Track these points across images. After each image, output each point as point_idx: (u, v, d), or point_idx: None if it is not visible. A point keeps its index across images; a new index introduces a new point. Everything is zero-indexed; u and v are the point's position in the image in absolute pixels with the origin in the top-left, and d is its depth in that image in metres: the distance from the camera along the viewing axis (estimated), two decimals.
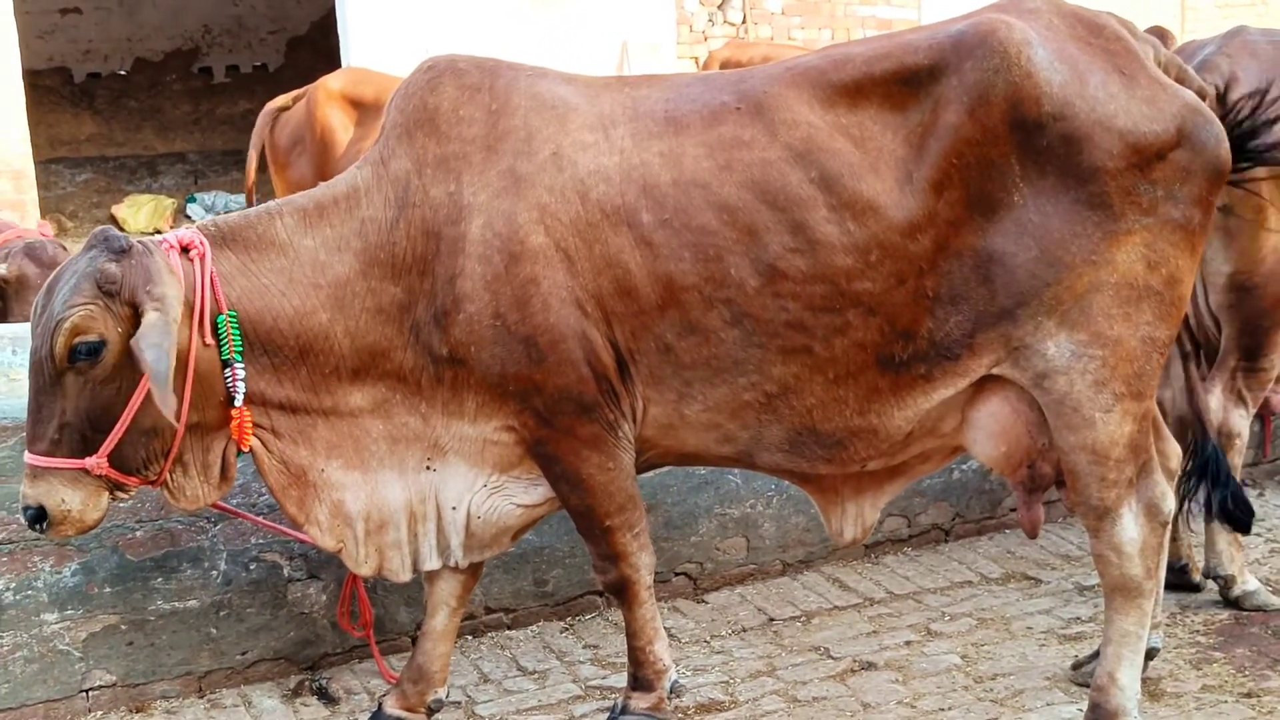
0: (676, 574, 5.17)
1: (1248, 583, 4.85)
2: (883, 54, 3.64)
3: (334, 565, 4.56)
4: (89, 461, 3.49)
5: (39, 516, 3.52)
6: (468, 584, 4.14)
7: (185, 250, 3.58)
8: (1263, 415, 6.27)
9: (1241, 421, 4.81)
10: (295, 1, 17.23)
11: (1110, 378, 3.55)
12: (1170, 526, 4.34)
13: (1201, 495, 4.42)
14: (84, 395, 3.47)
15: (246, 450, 3.70)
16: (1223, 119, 3.66)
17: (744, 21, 12.77)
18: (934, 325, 3.59)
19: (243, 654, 4.55)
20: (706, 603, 5.15)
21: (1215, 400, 4.77)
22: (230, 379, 3.60)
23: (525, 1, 11.74)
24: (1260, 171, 4.52)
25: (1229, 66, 4.63)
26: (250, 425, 3.66)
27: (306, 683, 4.54)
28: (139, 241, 3.54)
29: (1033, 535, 3.93)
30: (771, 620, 4.97)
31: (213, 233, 3.66)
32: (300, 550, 4.55)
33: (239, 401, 3.62)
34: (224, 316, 3.57)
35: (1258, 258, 4.60)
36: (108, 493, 3.57)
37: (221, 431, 3.67)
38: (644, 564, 3.96)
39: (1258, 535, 5.59)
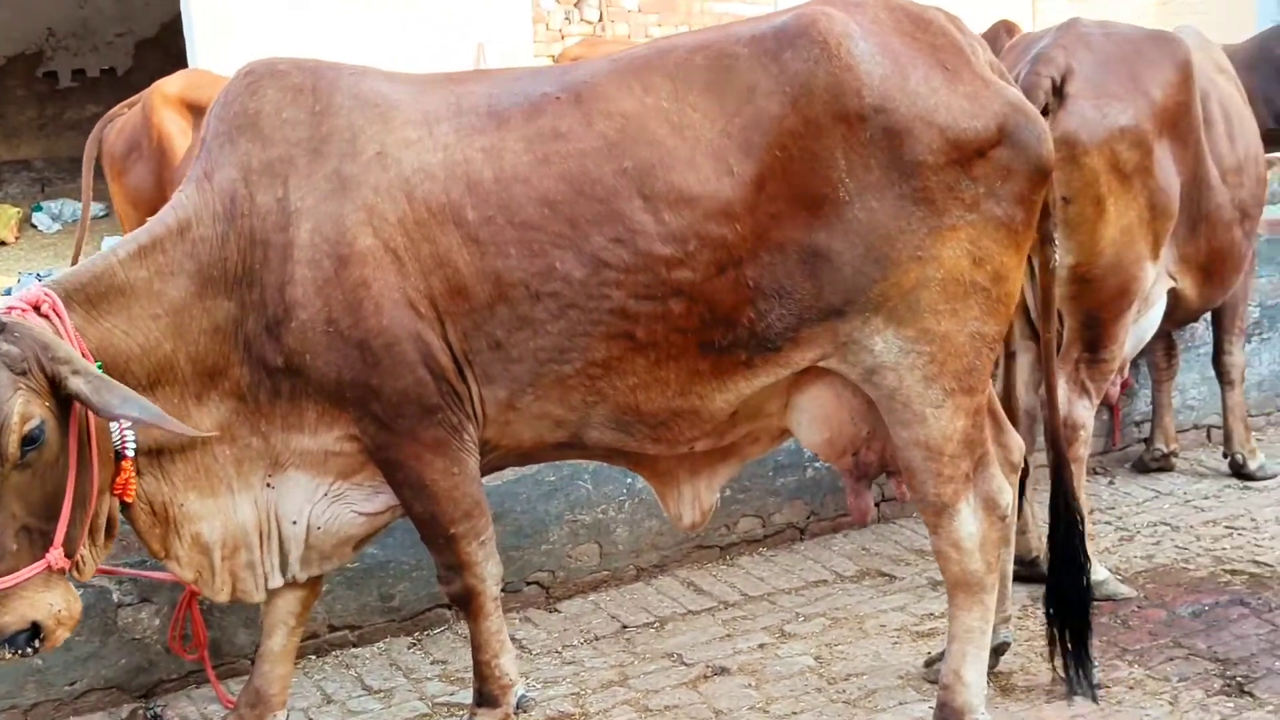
0: (528, 583, 5.07)
1: (1097, 572, 4.86)
2: (706, 44, 3.60)
3: (166, 588, 4.39)
4: (50, 557, 3.26)
5: (33, 635, 3.28)
6: (307, 601, 4.04)
7: (36, 309, 3.38)
8: (1111, 406, 6.36)
9: (1086, 413, 4.84)
10: (143, 3, 16.75)
11: (939, 373, 3.54)
12: (1018, 520, 4.36)
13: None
14: (34, 487, 3.24)
15: (130, 501, 3.54)
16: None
17: (600, 19, 12.70)
18: (755, 316, 3.55)
19: (71, 684, 4.36)
20: (559, 612, 5.06)
21: (1060, 393, 4.78)
22: (119, 432, 3.45)
23: (378, 3, 11.54)
24: (1100, 165, 4.57)
25: (1064, 59, 4.66)
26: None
27: (140, 711, 4.39)
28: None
29: (862, 524, 3.93)
30: (625, 628, 4.90)
31: (55, 289, 3.47)
32: None
33: (131, 452, 3.48)
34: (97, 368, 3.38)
35: (1097, 250, 4.63)
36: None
37: (108, 490, 3.50)
38: (490, 574, 3.87)
39: (1107, 524, 5.65)
